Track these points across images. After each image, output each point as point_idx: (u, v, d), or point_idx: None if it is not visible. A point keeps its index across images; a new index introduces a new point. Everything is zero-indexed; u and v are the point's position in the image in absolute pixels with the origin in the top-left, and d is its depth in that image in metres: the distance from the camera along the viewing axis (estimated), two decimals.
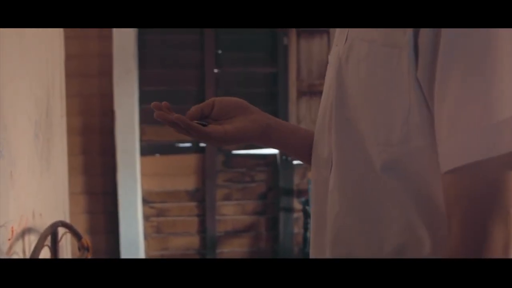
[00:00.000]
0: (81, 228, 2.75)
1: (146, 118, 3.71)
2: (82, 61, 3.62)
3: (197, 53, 3.76)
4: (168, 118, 0.93)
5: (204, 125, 0.95)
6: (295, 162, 3.85)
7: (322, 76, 3.89)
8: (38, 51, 1.49)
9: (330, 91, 0.88)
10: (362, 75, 0.79)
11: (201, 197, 3.80)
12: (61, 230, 1.73)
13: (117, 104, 3.59)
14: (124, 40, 3.60)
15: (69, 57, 3.54)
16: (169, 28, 3.68)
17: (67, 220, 2.37)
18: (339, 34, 0.90)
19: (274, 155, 3.86)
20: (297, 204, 3.86)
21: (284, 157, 3.83)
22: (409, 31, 0.71)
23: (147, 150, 3.76)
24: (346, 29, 0.86)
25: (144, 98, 3.71)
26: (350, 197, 0.82)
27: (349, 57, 0.82)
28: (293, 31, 3.83)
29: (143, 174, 3.73)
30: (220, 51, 3.78)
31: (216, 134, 0.95)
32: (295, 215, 3.87)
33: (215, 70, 3.77)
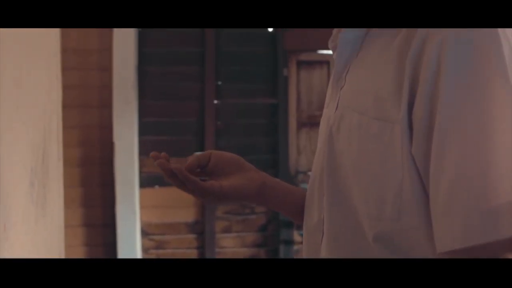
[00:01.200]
0: None
1: (145, 150, 3.69)
2: (82, 92, 3.62)
3: (197, 85, 3.76)
4: (168, 168, 0.91)
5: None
6: None
7: (322, 107, 3.89)
8: (35, 98, 1.48)
9: (320, 156, 0.86)
10: (354, 146, 0.77)
11: (201, 229, 3.77)
12: None
13: (117, 136, 3.59)
14: (124, 72, 3.60)
15: (69, 88, 3.54)
16: (169, 59, 3.69)
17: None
18: (330, 99, 0.88)
19: None
20: (297, 237, 3.82)
21: None
22: (404, 108, 0.69)
23: (146, 181, 3.73)
24: (337, 96, 0.84)
25: (144, 130, 3.71)
26: None
27: (340, 126, 0.80)
28: (293, 62, 3.83)
29: (142, 206, 3.71)
30: (220, 82, 3.78)
31: (212, 190, 0.93)
32: (296, 247, 3.84)
33: (215, 101, 3.77)
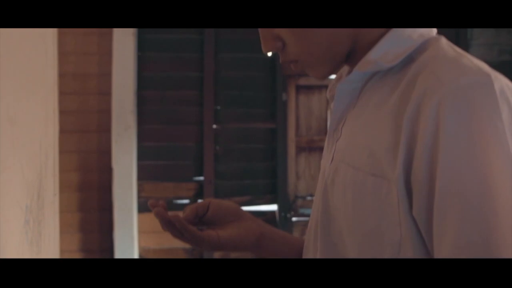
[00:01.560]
0: None
1: (144, 175, 3.69)
2: (80, 117, 3.62)
3: (196, 109, 3.76)
4: (166, 217, 0.91)
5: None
6: (294, 219, 3.81)
7: (321, 131, 3.89)
8: (31, 134, 1.47)
9: (315, 208, 0.85)
10: (349, 201, 0.76)
11: (199, 254, 3.74)
12: None
13: (115, 161, 3.58)
14: (123, 96, 3.61)
15: (68, 113, 3.54)
16: (168, 84, 3.69)
17: None
18: (326, 150, 0.88)
19: (273, 212, 3.81)
20: None
21: (283, 214, 3.78)
22: (400, 166, 0.68)
23: (144, 207, 3.71)
24: (333, 148, 0.83)
25: (143, 154, 3.70)
26: None
27: (335, 180, 0.79)
28: (292, 87, 3.84)
29: (140, 231, 3.69)
30: (219, 107, 3.78)
31: (209, 239, 0.93)
32: None
33: (214, 126, 3.76)
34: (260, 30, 0.83)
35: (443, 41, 0.77)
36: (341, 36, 0.79)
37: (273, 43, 0.82)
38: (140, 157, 3.70)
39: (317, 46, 0.80)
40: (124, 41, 3.61)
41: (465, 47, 4.02)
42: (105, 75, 3.62)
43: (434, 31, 0.80)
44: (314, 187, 3.92)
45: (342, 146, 0.81)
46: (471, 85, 0.65)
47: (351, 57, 0.83)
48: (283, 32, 0.81)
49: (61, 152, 2.65)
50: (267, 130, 3.84)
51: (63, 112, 2.83)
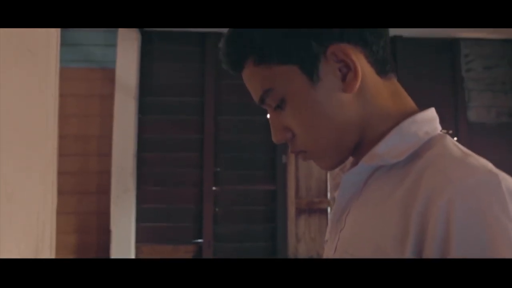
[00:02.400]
0: None
1: (142, 237, 3.66)
2: (80, 178, 3.62)
3: (195, 171, 3.77)
4: None
5: None
6: None
7: (321, 193, 3.88)
8: (29, 209, 1.47)
9: None
10: None
11: None
12: None
13: (114, 223, 3.55)
14: (123, 158, 3.62)
15: (68, 174, 3.55)
16: (168, 146, 3.71)
17: None
18: (329, 237, 0.87)
19: None
20: None
21: None
22: (408, 256, 0.68)
23: None
24: (336, 237, 0.83)
25: (142, 216, 3.68)
26: None
27: None
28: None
29: None
30: (218, 169, 3.79)
31: None
32: None
33: (214, 188, 3.76)
34: (270, 120, 0.86)
35: (448, 139, 0.79)
36: (349, 130, 0.81)
37: (283, 133, 0.84)
38: (139, 219, 3.68)
39: (325, 139, 0.81)
40: (125, 104, 3.65)
41: (463, 109, 4.06)
42: (106, 137, 3.65)
43: (438, 128, 0.82)
44: (314, 249, 3.87)
45: (346, 236, 0.80)
46: (479, 185, 0.66)
47: (358, 149, 0.84)
48: (293, 123, 0.82)
49: (60, 213, 2.64)
50: (267, 192, 3.83)
51: (63, 174, 2.84)
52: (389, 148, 0.79)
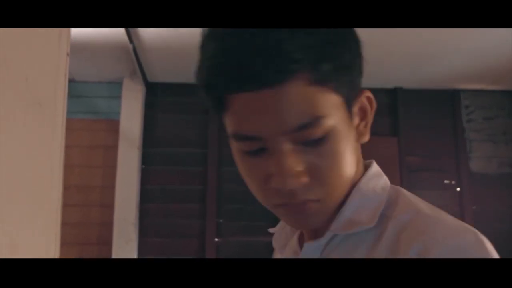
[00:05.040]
0: None
1: None
2: (82, 229, 3.60)
3: (198, 222, 3.75)
4: None
5: None
6: None
7: None
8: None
9: None
10: None
11: None
12: None
13: None
14: (126, 209, 3.60)
15: (69, 225, 3.53)
16: (171, 197, 3.70)
17: None
18: None
19: None
20: None
21: None
22: None
23: None
24: None
25: None
26: None
27: None
28: None
29: None
30: (221, 220, 3.77)
31: None
32: None
33: (216, 239, 3.73)
34: (287, 159, 0.68)
35: (405, 192, 0.75)
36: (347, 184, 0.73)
37: (303, 177, 0.67)
38: None
39: (339, 189, 0.71)
40: (129, 155, 3.66)
41: (465, 160, 4.07)
42: (108, 188, 3.65)
43: (387, 180, 0.77)
44: None
45: None
46: (468, 245, 0.64)
47: None
48: (323, 164, 0.67)
49: None
50: (270, 243, 3.78)
51: (65, 225, 2.82)
52: (358, 211, 0.72)
